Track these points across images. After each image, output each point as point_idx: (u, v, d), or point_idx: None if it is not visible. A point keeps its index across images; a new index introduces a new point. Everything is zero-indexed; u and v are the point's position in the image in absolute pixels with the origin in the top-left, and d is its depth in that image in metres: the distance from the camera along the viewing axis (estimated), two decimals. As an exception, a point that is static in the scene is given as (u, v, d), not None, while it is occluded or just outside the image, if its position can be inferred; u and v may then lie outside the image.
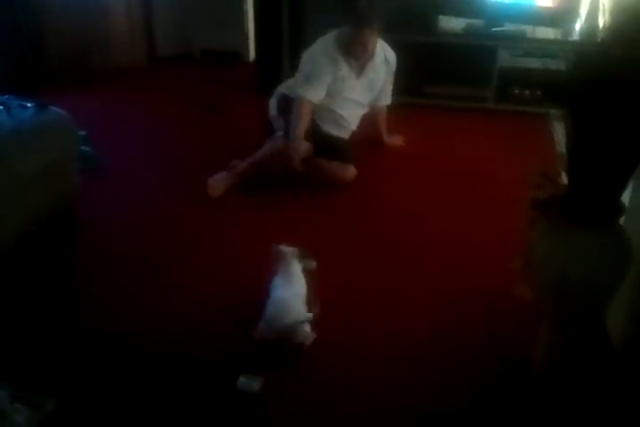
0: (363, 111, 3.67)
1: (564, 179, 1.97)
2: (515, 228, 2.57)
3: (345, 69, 3.43)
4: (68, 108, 2.90)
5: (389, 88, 3.75)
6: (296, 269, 2.37)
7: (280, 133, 3.38)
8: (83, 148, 3.29)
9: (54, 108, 2.83)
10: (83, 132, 3.32)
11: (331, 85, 3.41)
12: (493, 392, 2.01)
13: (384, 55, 3.58)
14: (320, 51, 3.42)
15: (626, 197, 1.93)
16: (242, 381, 1.98)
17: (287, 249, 2.40)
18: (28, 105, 2.77)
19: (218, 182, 3.26)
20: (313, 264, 2.45)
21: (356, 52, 3.42)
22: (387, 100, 3.78)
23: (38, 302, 2.40)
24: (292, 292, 2.27)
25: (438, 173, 3.60)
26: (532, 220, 2.19)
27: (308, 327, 2.18)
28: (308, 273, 2.39)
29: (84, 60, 4.91)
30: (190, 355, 2.12)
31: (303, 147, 3.29)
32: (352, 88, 3.50)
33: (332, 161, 3.40)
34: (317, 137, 3.42)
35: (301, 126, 3.28)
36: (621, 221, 1.89)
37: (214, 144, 3.30)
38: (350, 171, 3.41)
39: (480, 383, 2.04)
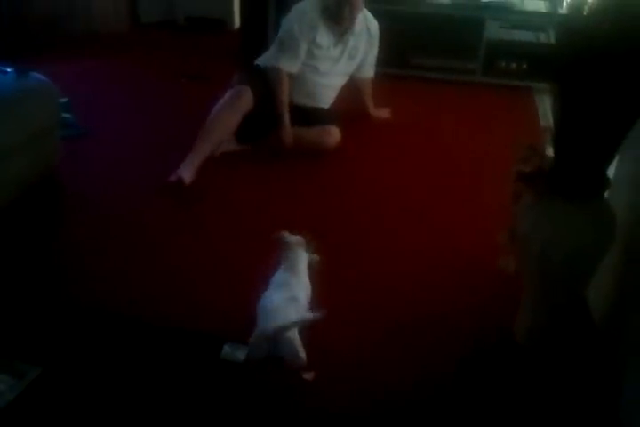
0: (341, 81, 3.59)
1: (550, 152, 1.97)
2: (500, 201, 2.58)
3: (323, 36, 3.33)
4: (50, 74, 2.84)
5: (372, 60, 3.66)
6: (302, 263, 2.13)
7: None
8: (64, 115, 3.23)
9: (35, 74, 2.77)
10: (64, 99, 3.26)
11: (307, 52, 3.32)
12: (477, 363, 2.03)
13: (365, 24, 3.49)
14: (298, 15, 3.31)
15: (610, 171, 1.94)
16: (226, 350, 1.98)
17: (292, 238, 2.18)
18: (8, 70, 2.71)
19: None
20: (316, 258, 2.22)
21: (342, 15, 3.29)
22: (369, 72, 3.70)
23: (22, 268, 2.38)
24: (288, 295, 1.98)
25: (424, 146, 3.59)
26: (518, 193, 2.19)
27: (295, 335, 1.83)
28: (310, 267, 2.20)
29: (66, 26, 4.80)
30: (176, 325, 2.10)
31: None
32: (329, 56, 3.41)
33: (312, 127, 3.35)
34: (292, 110, 3.36)
35: (284, 101, 3.30)
36: (606, 194, 1.91)
37: (197, 112, 3.29)
38: (334, 134, 3.34)
39: (464, 354, 2.06)
